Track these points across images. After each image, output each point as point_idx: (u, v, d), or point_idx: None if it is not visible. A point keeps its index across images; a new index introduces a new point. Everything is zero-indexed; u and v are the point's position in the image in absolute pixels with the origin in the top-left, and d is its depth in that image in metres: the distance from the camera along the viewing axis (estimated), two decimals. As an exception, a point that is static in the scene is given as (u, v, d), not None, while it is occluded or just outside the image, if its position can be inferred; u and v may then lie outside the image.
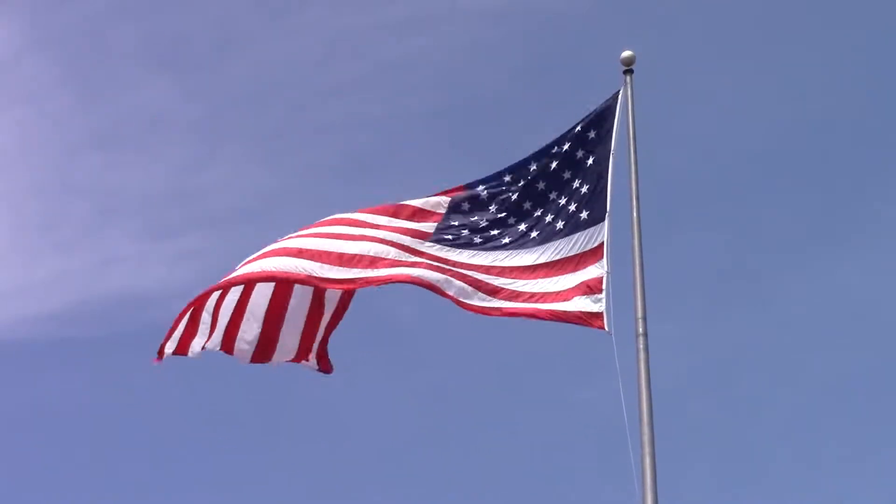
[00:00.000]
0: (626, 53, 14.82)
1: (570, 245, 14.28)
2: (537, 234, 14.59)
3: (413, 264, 14.21)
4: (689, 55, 34.94)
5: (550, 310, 13.84)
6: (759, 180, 34.00)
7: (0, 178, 34.80)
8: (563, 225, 14.49)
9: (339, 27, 35.61)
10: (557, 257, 14.27)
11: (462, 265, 14.31)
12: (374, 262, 14.23)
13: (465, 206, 15.04)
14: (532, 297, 14.02)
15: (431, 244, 14.59)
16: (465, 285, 14.07)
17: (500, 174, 15.12)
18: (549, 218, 14.64)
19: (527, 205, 14.83)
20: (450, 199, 15.08)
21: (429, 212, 14.97)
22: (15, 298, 32.59)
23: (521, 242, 14.57)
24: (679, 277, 29.86)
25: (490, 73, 35.41)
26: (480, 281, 14.16)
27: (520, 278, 14.23)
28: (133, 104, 35.48)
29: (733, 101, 34.61)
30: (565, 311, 13.80)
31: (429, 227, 14.84)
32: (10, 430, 31.39)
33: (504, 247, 14.57)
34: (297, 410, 31.28)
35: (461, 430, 30.21)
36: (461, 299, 13.96)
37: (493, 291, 14.13)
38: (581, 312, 13.71)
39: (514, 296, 14.07)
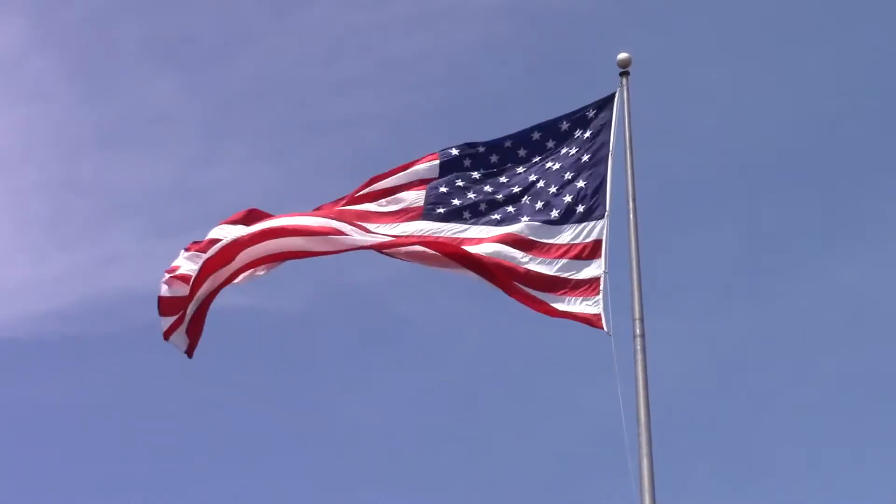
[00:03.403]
0: (622, 56, 14.85)
1: (565, 234, 14.30)
2: (528, 219, 14.59)
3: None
4: (689, 55, 35.02)
5: (551, 306, 13.88)
6: (761, 179, 34.06)
7: (5, 176, 34.88)
8: (558, 214, 14.49)
9: (344, 24, 35.69)
10: (552, 241, 14.30)
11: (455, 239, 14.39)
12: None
13: (454, 177, 15.03)
14: (528, 278, 14.07)
15: (422, 222, 14.66)
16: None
17: (479, 153, 15.17)
18: (539, 205, 14.66)
19: (515, 189, 14.84)
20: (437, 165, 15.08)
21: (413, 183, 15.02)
22: (19, 296, 32.66)
23: (511, 223, 14.59)
24: (681, 276, 29.93)
25: (495, 71, 35.47)
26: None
27: (518, 250, 14.25)
28: (138, 101, 35.57)
29: (733, 100, 34.67)
30: (565, 311, 13.86)
31: (417, 196, 14.91)
32: (14, 428, 31.49)
33: (496, 223, 14.59)
34: (301, 410, 31.37)
35: (459, 430, 30.27)
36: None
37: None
38: (580, 313, 13.76)
39: (511, 275, 14.13)
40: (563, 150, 14.88)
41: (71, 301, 32.30)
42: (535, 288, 14.00)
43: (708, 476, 27.84)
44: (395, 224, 14.65)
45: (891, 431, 28.38)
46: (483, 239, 14.34)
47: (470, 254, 14.07)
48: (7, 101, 35.26)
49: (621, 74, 14.82)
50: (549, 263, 14.13)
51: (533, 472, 28.54)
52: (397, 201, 14.87)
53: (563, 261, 14.11)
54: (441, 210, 14.71)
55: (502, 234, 14.33)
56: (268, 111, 35.91)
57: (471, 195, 14.85)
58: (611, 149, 14.56)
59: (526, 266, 14.12)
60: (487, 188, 14.90)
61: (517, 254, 14.18)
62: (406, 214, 14.77)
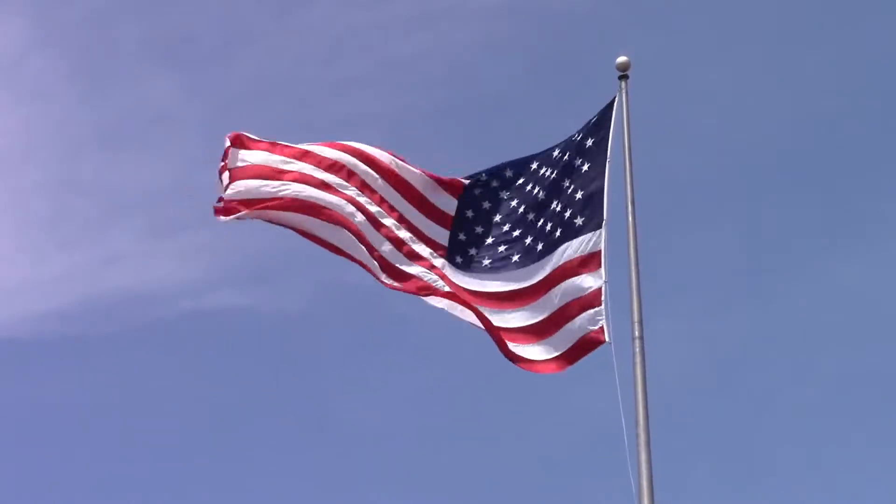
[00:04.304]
0: (621, 59, 14.69)
1: (565, 252, 14.15)
2: (542, 246, 14.54)
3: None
4: (689, 55, 35.04)
5: (556, 359, 13.87)
6: (761, 179, 34.10)
7: (5, 176, 34.91)
8: (560, 233, 14.34)
9: (344, 24, 35.71)
10: (553, 268, 14.22)
11: (472, 294, 14.43)
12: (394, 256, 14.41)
13: (470, 214, 15.06)
14: (535, 330, 14.08)
15: (443, 261, 14.72)
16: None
17: (501, 171, 15.20)
18: (548, 227, 14.61)
19: (530, 216, 14.85)
20: (456, 201, 15.13)
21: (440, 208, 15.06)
22: (20, 296, 32.71)
23: (528, 257, 14.58)
24: (681, 276, 29.95)
25: (495, 71, 35.47)
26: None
27: (521, 306, 14.31)
28: (138, 101, 35.59)
29: (733, 100, 34.70)
30: (570, 352, 13.80)
31: (443, 235, 14.95)
32: (14, 428, 31.52)
33: (515, 265, 14.60)
34: (301, 410, 31.41)
35: (459, 430, 30.31)
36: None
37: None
38: (581, 341, 13.71)
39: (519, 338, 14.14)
40: (575, 162, 14.80)
41: (71, 301, 32.38)
42: (533, 340, 14.06)
43: (708, 476, 27.90)
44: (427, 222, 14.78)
45: (891, 431, 28.44)
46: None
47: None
48: (7, 100, 35.34)
49: (620, 78, 14.70)
50: (545, 300, 14.15)
51: (532, 472, 28.60)
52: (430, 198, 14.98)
53: (561, 285, 14.08)
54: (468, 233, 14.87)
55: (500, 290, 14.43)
56: (268, 111, 35.92)
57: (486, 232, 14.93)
58: (608, 157, 14.42)
59: (517, 321, 14.20)
60: (508, 227, 14.94)
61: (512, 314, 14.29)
62: (436, 214, 14.87)
